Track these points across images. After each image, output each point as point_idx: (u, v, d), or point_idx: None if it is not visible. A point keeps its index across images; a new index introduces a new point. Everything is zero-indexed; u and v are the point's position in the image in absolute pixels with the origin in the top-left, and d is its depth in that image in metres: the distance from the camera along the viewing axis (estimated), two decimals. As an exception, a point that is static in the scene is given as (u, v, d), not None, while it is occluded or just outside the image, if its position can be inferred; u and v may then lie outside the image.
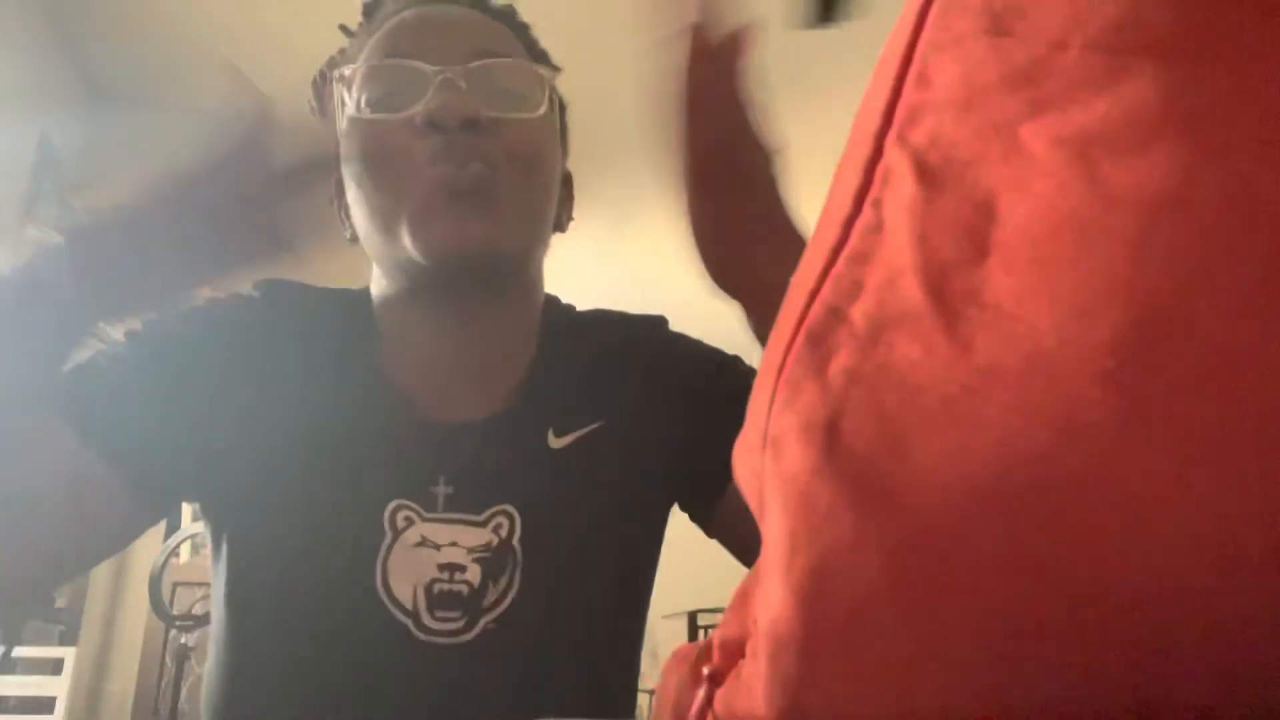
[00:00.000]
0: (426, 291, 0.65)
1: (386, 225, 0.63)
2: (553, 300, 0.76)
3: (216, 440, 0.63)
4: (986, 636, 0.17)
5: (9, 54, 2.18)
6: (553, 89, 0.68)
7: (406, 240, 0.62)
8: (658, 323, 0.79)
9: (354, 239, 0.68)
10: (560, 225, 0.74)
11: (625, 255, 3.63)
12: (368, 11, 0.72)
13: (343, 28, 0.72)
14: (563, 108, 0.73)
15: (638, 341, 0.75)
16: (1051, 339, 0.16)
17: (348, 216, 0.69)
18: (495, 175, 0.62)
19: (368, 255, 0.68)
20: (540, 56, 0.72)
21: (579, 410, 0.70)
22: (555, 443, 0.68)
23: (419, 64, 0.62)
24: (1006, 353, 0.17)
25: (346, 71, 0.65)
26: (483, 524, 0.63)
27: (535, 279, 0.72)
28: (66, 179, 2.51)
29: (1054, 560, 0.16)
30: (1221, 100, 0.16)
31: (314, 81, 0.72)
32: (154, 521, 0.63)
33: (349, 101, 0.65)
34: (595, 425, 0.69)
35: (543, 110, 0.66)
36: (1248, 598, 0.15)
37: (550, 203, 0.69)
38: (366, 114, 0.64)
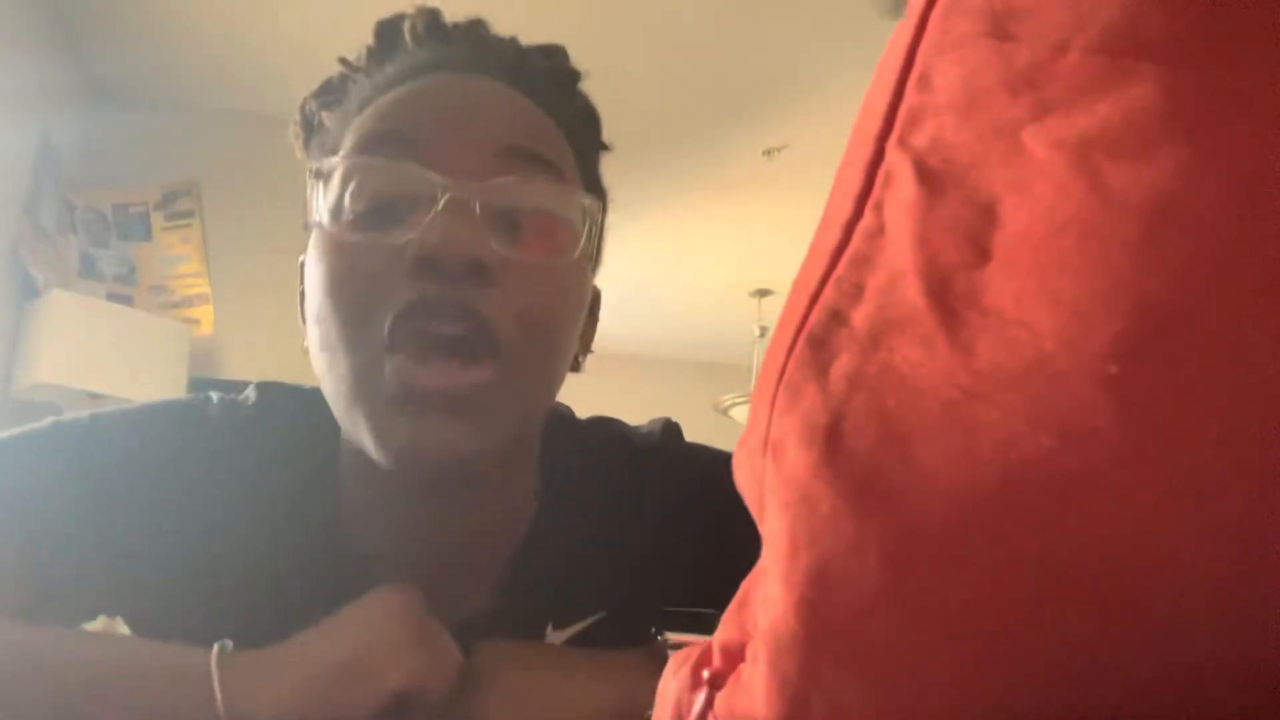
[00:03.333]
0: (392, 476, 0.50)
1: (342, 389, 0.49)
2: (552, 437, 0.59)
3: (144, 570, 0.54)
4: (986, 639, 0.17)
5: (9, 54, 2.18)
6: (596, 219, 0.53)
7: (363, 432, 0.48)
8: (667, 444, 0.63)
9: (308, 354, 0.53)
10: (576, 365, 0.57)
11: (625, 256, 3.64)
12: (376, 53, 0.56)
13: (342, 62, 0.58)
14: (602, 211, 0.55)
15: (645, 485, 0.60)
16: (1052, 343, 0.16)
17: (304, 321, 0.53)
18: (488, 363, 0.48)
19: None
20: (591, 161, 0.57)
21: (579, 595, 0.57)
22: (554, 637, 0.57)
23: (422, 171, 0.48)
24: (1008, 356, 0.17)
25: (324, 166, 0.50)
26: None
27: (535, 436, 0.57)
28: (67, 177, 2.52)
29: (1055, 564, 0.16)
30: (1222, 103, 0.16)
31: (301, 109, 0.58)
32: None
33: (322, 203, 0.50)
34: (597, 617, 0.57)
35: (575, 256, 0.51)
36: (1252, 601, 0.15)
37: (563, 369, 0.54)
38: (341, 230, 0.49)
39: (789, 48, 2.39)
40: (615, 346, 4.40)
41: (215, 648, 0.47)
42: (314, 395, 0.56)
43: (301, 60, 2.26)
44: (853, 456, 0.18)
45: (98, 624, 0.64)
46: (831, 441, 0.19)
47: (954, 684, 0.17)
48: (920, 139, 0.20)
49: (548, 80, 0.56)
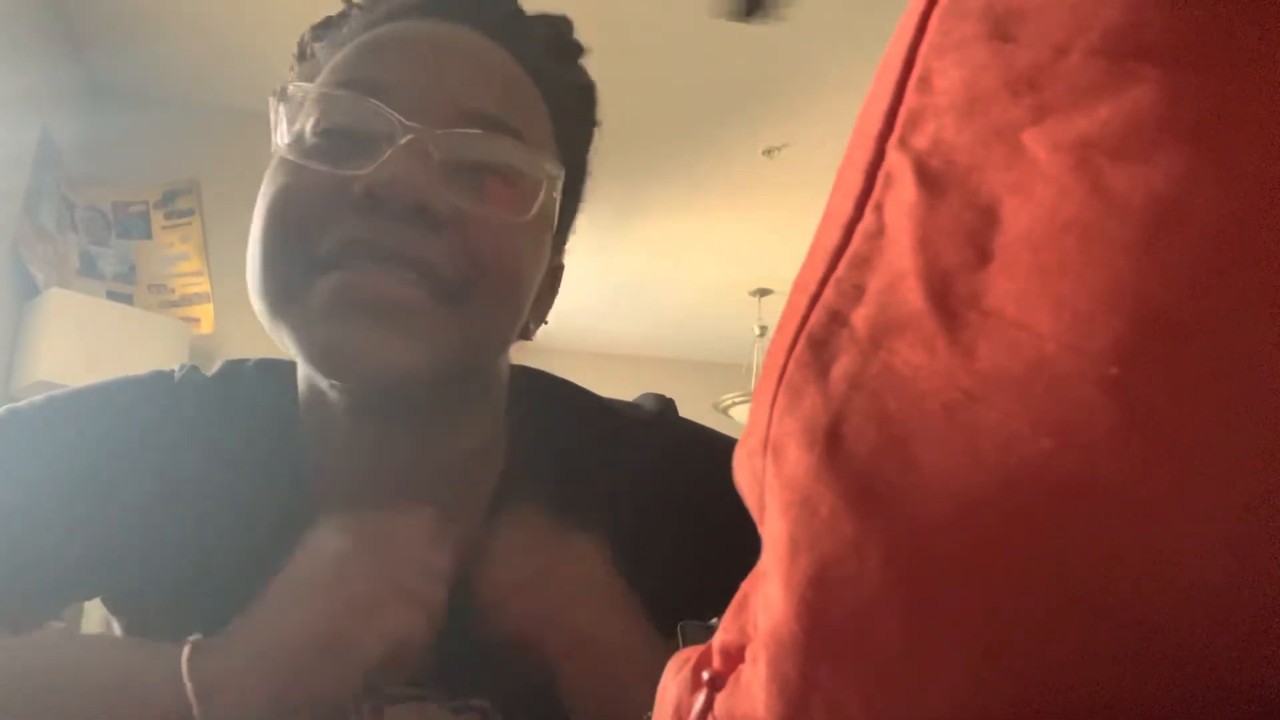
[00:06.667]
0: (338, 404, 0.51)
1: (272, 306, 0.49)
2: (519, 387, 0.58)
3: (116, 545, 0.53)
4: (987, 643, 0.17)
5: (9, 53, 2.18)
6: (555, 183, 0.52)
7: (289, 338, 0.48)
8: (660, 419, 0.62)
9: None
10: (526, 331, 0.56)
11: (625, 255, 3.64)
12: None
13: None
14: (580, 178, 0.55)
15: (636, 458, 0.58)
16: (1054, 345, 0.16)
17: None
18: (430, 294, 0.47)
19: None
20: (573, 135, 0.56)
21: None
22: None
23: (386, 109, 0.47)
24: (1009, 359, 0.17)
25: (293, 90, 0.50)
26: (455, 712, 0.52)
27: (495, 377, 0.57)
28: (67, 176, 2.52)
29: (1056, 567, 0.16)
30: (1224, 105, 0.16)
31: (300, 41, 0.59)
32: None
33: (283, 128, 0.50)
34: None
35: (530, 215, 0.50)
36: (1254, 607, 0.15)
37: (513, 323, 0.53)
38: (297, 157, 0.49)
39: (789, 48, 2.39)
40: (615, 346, 4.40)
41: (186, 649, 0.45)
42: (277, 364, 0.58)
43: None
44: (853, 459, 0.18)
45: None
46: (832, 443, 0.19)
47: (954, 686, 0.17)
48: (921, 140, 0.20)
49: (542, 46, 0.55)
